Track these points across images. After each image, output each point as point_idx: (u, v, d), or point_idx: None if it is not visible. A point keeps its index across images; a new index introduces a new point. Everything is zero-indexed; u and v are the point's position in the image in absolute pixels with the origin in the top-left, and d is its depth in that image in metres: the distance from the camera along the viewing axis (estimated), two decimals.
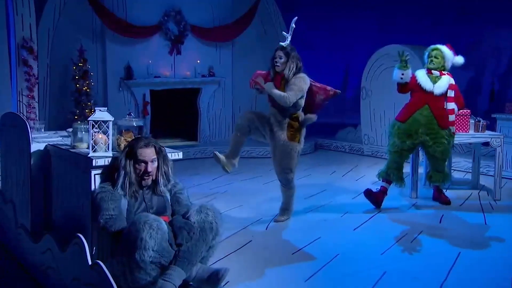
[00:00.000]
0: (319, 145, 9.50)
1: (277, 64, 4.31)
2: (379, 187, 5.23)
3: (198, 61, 9.03)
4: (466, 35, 9.06)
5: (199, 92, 9.14)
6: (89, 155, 2.98)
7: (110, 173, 2.91)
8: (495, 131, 6.40)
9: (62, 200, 3.38)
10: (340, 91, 4.70)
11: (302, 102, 4.42)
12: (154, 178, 2.89)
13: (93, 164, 2.93)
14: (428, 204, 5.39)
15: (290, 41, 4.47)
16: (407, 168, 5.58)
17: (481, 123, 5.59)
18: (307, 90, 4.39)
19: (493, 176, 5.71)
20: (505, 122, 6.61)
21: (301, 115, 4.48)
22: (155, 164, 2.87)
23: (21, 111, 6.22)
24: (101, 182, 2.90)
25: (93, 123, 3.00)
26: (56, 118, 7.92)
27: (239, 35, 9.29)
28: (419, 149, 5.74)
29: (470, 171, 6.41)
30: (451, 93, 5.06)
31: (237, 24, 9.20)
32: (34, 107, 6.32)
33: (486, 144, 5.95)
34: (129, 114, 3.33)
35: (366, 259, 3.81)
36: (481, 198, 5.66)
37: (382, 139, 8.20)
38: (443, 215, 4.97)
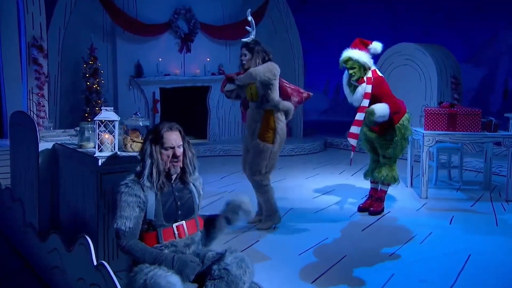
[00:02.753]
0: (328, 144, 9.44)
1: (243, 62, 4.24)
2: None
3: (208, 59, 9.02)
4: (480, 32, 8.94)
5: (209, 90, 9.14)
6: (95, 155, 2.98)
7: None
8: (508, 131, 6.30)
9: (69, 199, 3.39)
10: (312, 94, 4.59)
11: (275, 95, 4.24)
12: (181, 165, 2.65)
13: (99, 164, 2.93)
14: (438, 205, 5.33)
15: (254, 35, 4.39)
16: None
17: (493, 122, 5.50)
18: (278, 86, 4.28)
19: (505, 176, 5.62)
20: None
21: (277, 109, 4.28)
22: (181, 149, 2.64)
23: (31, 109, 6.26)
24: (130, 174, 2.61)
25: (99, 122, 3.00)
26: (67, 115, 7.98)
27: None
28: (432, 151, 5.69)
29: (482, 171, 6.32)
30: (365, 103, 4.56)
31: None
32: (44, 105, 6.35)
33: (498, 144, 5.86)
34: (136, 114, 3.32)
35: (374, 261, 3.77)
36: (493, 199, 5.58)
37: None
38: (453, 216, 4.91)
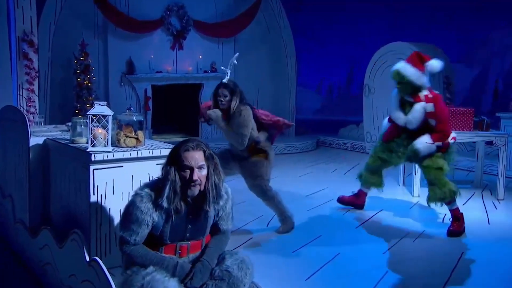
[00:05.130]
0: (321, 143, 9.45)
1: (223, 102, 4.11)
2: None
3: (200, 57, 8.98)
4: (476, 32, 9.00)
5: (201, 87, 9.10)
6: (88, 150, 2.94)
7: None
8: (499, 130, 6.35)
9: (61, 195, 3.34)
10: (293, 123, 4.45)
11: (254, 133, 4.16)
12: (202, 189, 2.41)
13: (92, 159, 2.89)
14: None
15: (230, 74, 4.36)
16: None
17: (485, 121, 5.54)
18: (255, 122, 4.20)
19: (496, 175, 5.66)
20: (509, 121, 6.55)
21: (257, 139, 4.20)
22: (204, 172, 2.38)
23: (21, 104, 6.18)
24: (148, 185, 2.45)
25: (92, 117, 2.95)
26: (57, 112, 7.89)
27: (242, 31, 9.24)
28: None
29: (473, 170, 6.36)
30: (432, 122, 4.27)
31: (239, 20, 9.15)
32: (34, 101, 6.27)
33: (490, 143, 5.89)
34: (129, 109, 3.27)
35: (367, 258, 3.77)
36: (484, 197, 5.61)
37: None
38: (446, 214, 4.92)
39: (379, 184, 4.95)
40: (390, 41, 8.36)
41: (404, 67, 4.29)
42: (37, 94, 6.38)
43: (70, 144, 3.19)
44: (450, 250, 3.95)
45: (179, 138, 8.90)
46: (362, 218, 4.77)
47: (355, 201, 5.09)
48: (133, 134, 3.14)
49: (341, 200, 5.12)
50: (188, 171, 2.36)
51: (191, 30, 8.89)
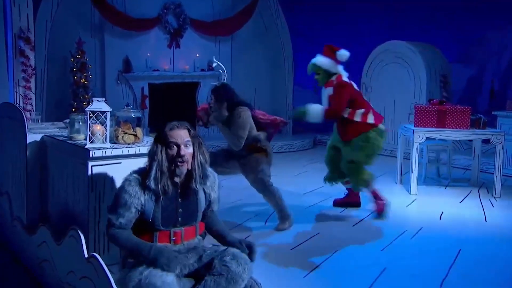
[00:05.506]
0: (318, 141, 9.45)
1: (211, 105, 4.18)
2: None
3: (197, 55, 8.97)
4: (474, 32, 9.02)
5: (198, 86, 9.09)
6: (86, 147, 2.93)
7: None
8: (495, 129, 6.37)
9: (58, 192, 3.32)
10: (289, 121, 4.54)
11: (253, 131, 4.20)
12: (189, 168, 2.47)
13: (90, 156, 2.88)
14: (427, 201, 5.37)
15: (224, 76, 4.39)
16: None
17: (482, 119, 5.56)
18: (254, 122, 4.24)
19: (493, 173, 5.68)
20: (505, 119, 6.59)
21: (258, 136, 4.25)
22: (190, 149, 2.46)
23: (18, 102, 6.14)
24: (136, 171, 2.52)
25: (90, 113, 2.94)
26: (54, 110, 7.86)
27: (239, 30, 9.23)
28: (421, 148, 5.71)
29: (470, 168, 6.39)
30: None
31: (236, 18, 9.14)
32: (31, 98, 6.23)
33: (486, 141, 5.92)
34: (127, 105, 3.26)
35: (365, 256, 3.77)
36: (481, 195, 5.64)
37: None
38: (443, 212, 4.94)
39: (339, 176, 4.91)
40: (386, 40, 8.37)
41: (318, 59, 4.62)
42: (33, 91, 6.34)
43: (68, 141, 3.18)
44: (448, 247, 3.97)
45: None
46: (360, 216, 4.78)
47: (349, 200, 5.09)
48: (131, 130, 3.12)
49: (336, 203, 5.12)
50: (174, 148, 2.44)
51: (188, 29, 8.86)
